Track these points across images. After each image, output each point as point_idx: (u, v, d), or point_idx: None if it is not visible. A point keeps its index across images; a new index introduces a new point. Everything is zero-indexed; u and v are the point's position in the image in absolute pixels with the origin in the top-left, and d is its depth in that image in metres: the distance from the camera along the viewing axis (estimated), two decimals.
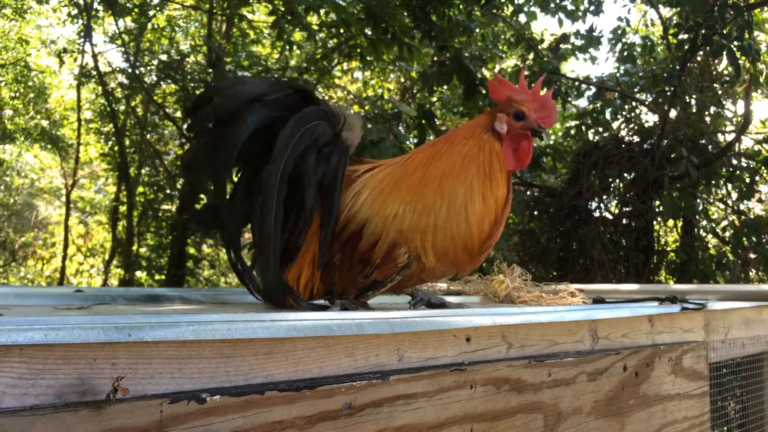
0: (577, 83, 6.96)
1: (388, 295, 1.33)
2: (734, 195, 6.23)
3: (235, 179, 1.22)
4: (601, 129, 6.49)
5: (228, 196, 1.21)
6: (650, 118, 6.47)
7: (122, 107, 9.09)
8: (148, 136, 9.32)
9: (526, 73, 6.46)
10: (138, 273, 9.47)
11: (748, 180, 5.86)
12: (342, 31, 6.15)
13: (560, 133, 8.16)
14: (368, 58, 6.42)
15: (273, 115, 1.16)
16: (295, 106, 1.18)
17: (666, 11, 6.62)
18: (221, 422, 0.72)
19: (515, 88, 1.31)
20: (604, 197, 6.06)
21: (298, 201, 1.16)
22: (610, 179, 5.92)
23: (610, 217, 6.05)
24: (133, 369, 0.69)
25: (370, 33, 5.78)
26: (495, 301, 1.82)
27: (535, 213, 6.42)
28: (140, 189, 9.40)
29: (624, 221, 5.88)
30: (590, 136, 6.57)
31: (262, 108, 1.15)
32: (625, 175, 5.89)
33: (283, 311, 0.99)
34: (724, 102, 6.22)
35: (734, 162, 5.96)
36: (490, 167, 1.24)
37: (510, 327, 1.13)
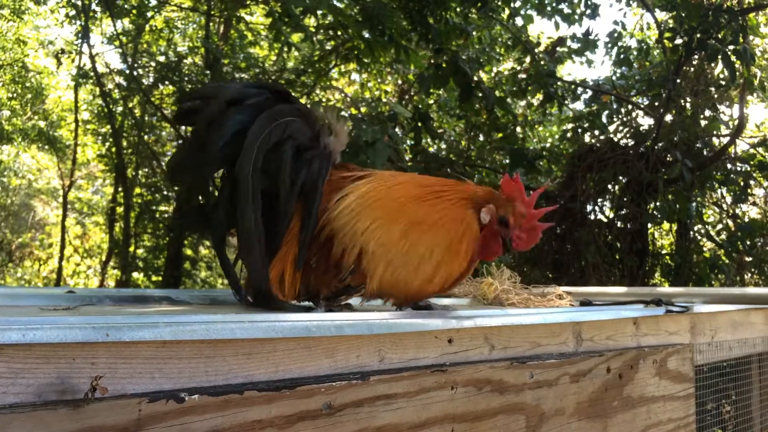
0: (573, 86, 6.98)
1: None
2: (729, 198, 6.25)
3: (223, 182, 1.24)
4: (597, 132, 6.51)
5: (215, 198, 1.23)
6: (646, 122, 6.50)
7: (120, 108, 9.11)
8: (146, 137, 9.33)
9: (523, 76, 6.51)
10: (135, 274, 9.48)
11: (742, 183, 5.89)
12: (339, 33, 6.17)
13: (557, 136, 8.20)
14: (365, 60, 6.44)
15: (251, 119, 1.17)
16: (272, 108, 1.20)
17: (662, 15, 6.65)
18: (200, 421, 0.73)
19: (523, 197, 1.27)
20: (599, 200, 6.08)
21: (277, 195, 1.18)
22: (605, 182, 5.94)
23: (605, 220, 6.07)
24: (112, 368, 0.70)
25: (367, 35, 5.80)
26: (484, 303, 1.83)
27: None
28: (137, 190, 9.42)
29: (619, 224, 5.90)
30: (586, 139, 6.59)
31: (240, 113, 1.17)
32: (620, 178, 5.91)
33: (264, 312, 1.01)
34: (718, 106, 6.25)
35: (729, 166, 5.98)
36: (458, 242, 1.23)
37: (493, 329, 1.15)
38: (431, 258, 1.20)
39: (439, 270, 1.22)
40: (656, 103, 6.19)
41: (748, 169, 5.95)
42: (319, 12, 5.83)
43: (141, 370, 0.72)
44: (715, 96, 6.22)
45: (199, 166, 1.16)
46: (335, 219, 1.20)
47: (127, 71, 8.44)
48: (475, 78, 5.68)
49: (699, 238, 6.20)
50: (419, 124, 5.72)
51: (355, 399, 0.88)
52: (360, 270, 1.18)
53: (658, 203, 5.55)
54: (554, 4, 6.59)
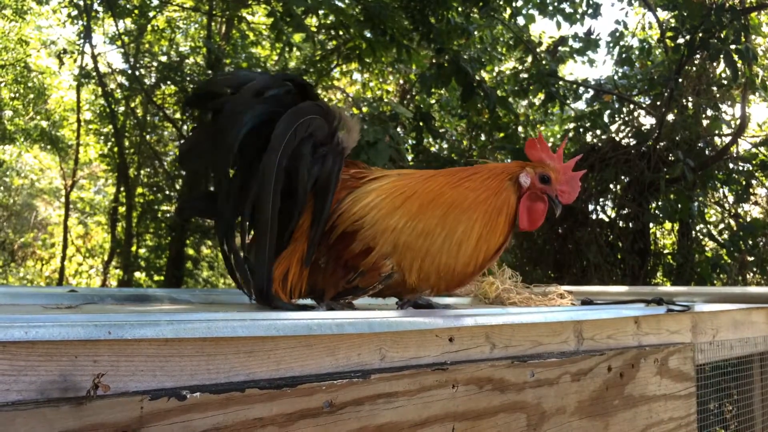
0: (575, 86, 6.98)
1: (374, 298, 1.34)
2: (731, 198, 6.24)
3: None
4: (599, 132, 6.51)
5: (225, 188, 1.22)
6: (647, 121, 6.50)
7: (122, 108, 9.13)
8: (148, 137, 9.35)
9: (524, 75, 6.51)
10: (137, 274, 9.50)
11: (744, 183, 5.88)
12: (341, 33, 6.18)
13: (558, 136, 8.19)
14: (367, 60, 6.44)
15: (272, 110, 1.17)
16: (293, 102, 1.20)
17: (663, 14, 6.65)
18: (202, 419, 0.73)
19: (551, 153, 1.31)
20: (601, 200, 6.07)
21: (293, 194, 1.17)
22: (607, 182, 5.94)
23: (607, 219, 6.07)
24: (115, 366, 0.70)
25: (368, 35, 5.81)
26: (485, 302, 1.83)
27: None
28: (139, 190, 9.43)
29: (620, 224, 5.90)
30: (588, 139, 6.59)
31: (262, 103, 1.17)
32: (622, 177, 5.90)
33: (265, 310, 1.01)
34: (720, 105, 6.24)
35: (731, 165, 5.97)
36: (497, 215, 1.24)
37: (494, 327, 1.15)
38: (470, 237, 1.21)
39: (480, 248, 1.22)
40: (658, 103, 6.18)
41: (750, 168, 5.95)
42: (320, 12, 5.84)
43: (143, 368, 0.72)
44: (717, 95, 6.21)
45: (213, 154, 1.16)
46: (360, 216, 1.20)
47: (129, 71, 8.46)
48: (477, 77, 5.68)
49: (701, 237, 6.20)
50: (421, 124, 5.72)
51: (356, 397, 0.89)
52: (374, 268, 1.18)
53: (659, 203, 5.55)
54: (556, 4, 6.58)
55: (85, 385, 0.67)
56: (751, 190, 5.96)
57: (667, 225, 6.21)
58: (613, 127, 6.48)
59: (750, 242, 5.53)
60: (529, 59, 6.92)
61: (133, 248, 9.36)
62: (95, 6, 8.14)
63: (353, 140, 1.28)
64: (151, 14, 8.46)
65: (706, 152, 5.93)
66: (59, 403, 0.64)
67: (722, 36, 5.16)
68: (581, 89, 6.93)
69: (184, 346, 0.76)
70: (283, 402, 0.81)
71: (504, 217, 1.25)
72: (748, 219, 6.00)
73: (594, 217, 5.98)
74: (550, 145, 1.38)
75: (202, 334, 0.75)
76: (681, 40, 5.50)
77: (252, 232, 1.17)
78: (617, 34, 6.99)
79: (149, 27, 8.83)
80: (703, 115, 6.14)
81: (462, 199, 1.22)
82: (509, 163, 1.32)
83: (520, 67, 7.15)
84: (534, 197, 1.28)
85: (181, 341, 0.75)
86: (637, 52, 7.09)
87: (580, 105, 7.08)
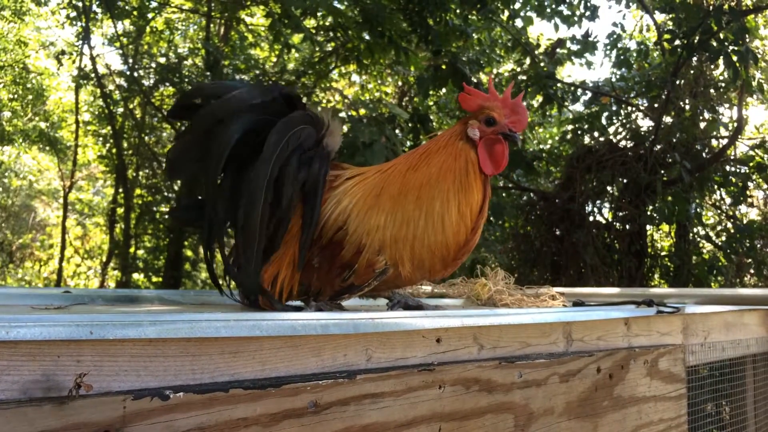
0: (572, 88, 6.99)
1: (365, 299, 1.34)
2: (728, 200, 6.25)
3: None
4: (597, 134, 6.52)
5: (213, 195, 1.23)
6: (645, 123, 6.51)
7: (120, 110, 9.13)
8: (146, 138, 9.35)
9: (523, 77, 6.52)
10: (135, 275, 9.49)
11: (741, 185, 5.89)
12: (339, 34, 6.19)
13: (557, 138, 8.20)
14: (365, 62, 6.45)
15: (260, 119, 1.19)
16: (281, 111, 1.21)
17: (660, 17, 6.66)
18: (185, 419, 0.74)
19: (485, 96, 1.34)
20: (598, 201, 6.08)
21: (279, 202, 1.18)
22: (604, 183, 5.94)
23: (604, 221, 6.07)
24: (98, 366, 0.71)
25: (367, 37, 5.82)
26: (477, 303, 1.84)
27: (531, 217, 6.45)
28: (138, 191, 9.44)
29: (617, 226, 5.90)
30: (586, 141, 6.60)
31: (250, 112, 1.18)
32: (619, 179, 5.91)
33: (250, 311, 1.01)
34: (717, 108, 6.25)
35: (728, 167, 5.98)
36: (465, 176, 1.27)
37: (482, 328, 1.15)
38: (450, 207, 1.24)
39: (463, 212, 1.25)
40: (655, 105, 6.20)
41: (747, 171, 5.95)
42: (318, 13, 5.85)
43: (127, 368, 0.73)
44: (714, 98, 6.22)
45: (201, 162, 1.16)
46: (342, 221, 1.22)
47: (128, 72, 8.46)
48: (474, 79, 5.68)
49: (698, 239, 6.20)
50: (417, 126, 5.72)
51: (342, 397, 0.89)
52: (368, 264, 1.20)
53: (656, 205, 5.56)
54: (554, 6, 6.59)
55: (67, 385, 0.68)
56: (747, 193, 5.97)
57: (664, 227, 6.22)
58: (611, 129, 6.49)
59: (747, 244, 5.54)
60: (528, 61, 6.93)
61: (132, 249, 9.36)
62: (94, 7, 8.15)
63: (337, 143, 1.30)
64: (149, 16, 8.46)
65: (703, 154, 5.94)
66: (42, 403, 0.65)
67: (721, 37, 5.17)
68: (579, 91, 6.94)
69: (168, 346, 0.76)
70: (268, 402, 0.81)
71: (472, 174, 1.28)
72: (745, 221, 6.01)
73: (591, 219, 5.99)
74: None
75: (185, 334, 0.75)
76: (678, 43, 5.51)
77: (236, 241, 1.18)
78: (615, 36, 7.00)
79: (148, 28, 8.83)
80: (700, 118, 6.15)
81: (427, 178, 1.25)
82: (452, 127, 1.35)
83: (519, 69, 7.16)
84: (489, 142, 1.31)
85: (165, 341, 0.76)
86: (634, 55, 7.11)
87: (578, 107, 7.10)
